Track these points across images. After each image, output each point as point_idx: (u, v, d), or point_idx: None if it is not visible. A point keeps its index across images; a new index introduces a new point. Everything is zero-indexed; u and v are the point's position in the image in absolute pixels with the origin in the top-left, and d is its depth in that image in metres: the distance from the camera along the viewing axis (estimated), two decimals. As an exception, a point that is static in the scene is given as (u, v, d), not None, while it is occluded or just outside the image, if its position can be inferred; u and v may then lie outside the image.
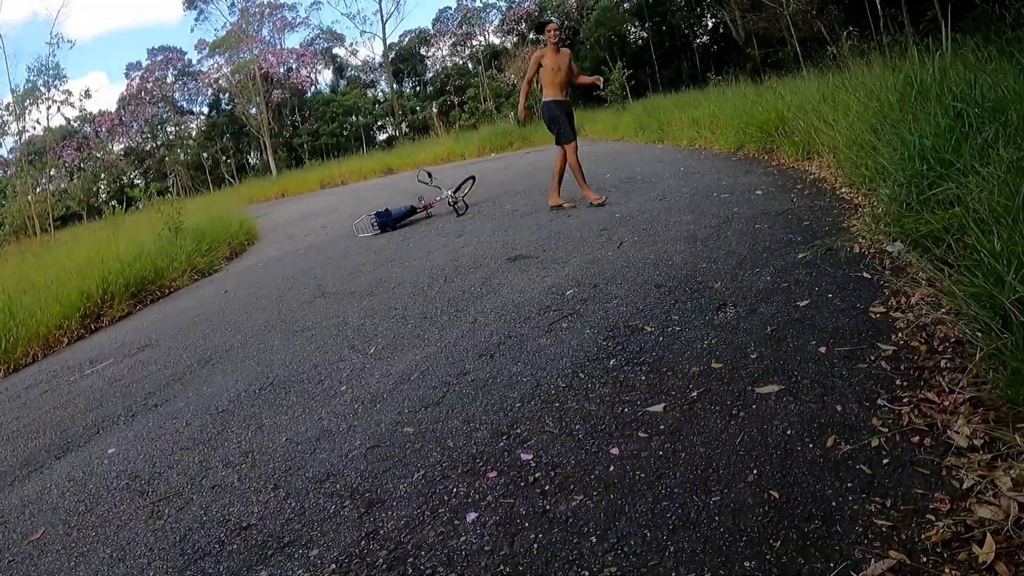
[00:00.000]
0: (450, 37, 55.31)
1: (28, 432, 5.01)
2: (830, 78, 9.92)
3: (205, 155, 51.83)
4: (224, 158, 51.81)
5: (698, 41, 45.43)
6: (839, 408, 2.81)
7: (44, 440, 4.72)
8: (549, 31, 8.33)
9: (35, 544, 3.27)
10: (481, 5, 53.89)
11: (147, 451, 4.04)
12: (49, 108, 39.89)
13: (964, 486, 2.25)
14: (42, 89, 38.90)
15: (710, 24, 44.74)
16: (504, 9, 52.36)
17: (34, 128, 40.79)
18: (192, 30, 62.34)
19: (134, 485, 3.62)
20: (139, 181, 49.09)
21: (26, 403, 5.90)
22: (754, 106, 11.79)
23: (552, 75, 8.32)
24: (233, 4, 51.71)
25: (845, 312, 3.71)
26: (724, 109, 13.67)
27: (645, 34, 45.18)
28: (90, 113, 48.43)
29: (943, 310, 3.35)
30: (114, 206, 36.06)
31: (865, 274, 4.23)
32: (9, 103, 38.17)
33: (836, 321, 3.61)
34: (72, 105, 43.20)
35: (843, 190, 6.69)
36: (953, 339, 3.12)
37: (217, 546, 2.83)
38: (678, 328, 3.97)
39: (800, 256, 4.81)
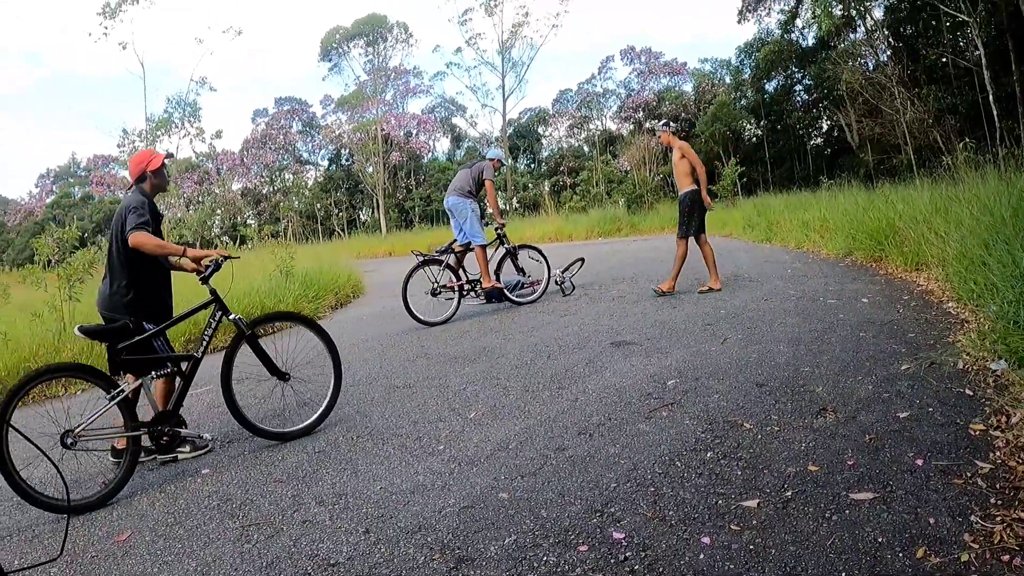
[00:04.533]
0: (568, 119, 56.39)
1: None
2: (943, 189, 9.87)
3: (319, 205, 53.70)
4: (336, 211, 53.58)
5: (812, 143, 45.15)
6: (932, 520, 2.84)
7: (137, 449, 4.97)
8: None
9: (120, 544, 3.46)
10: (601, 91, 54.86)
11: (241, 478, 4.24)
12: (182, 139, 42.03)
13: (1051, 607, 2.28)
14: (177, 122, 41.06)
15: (825, 126, 44.50)
16: (623, 96, 53.17)
17: (162, 157, 43.03)
18: (324, 79, 65.20)
19: (225, 507, 3.79)
20: (252, 221, 50.95)
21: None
22: (865, 213, 11.76)
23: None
24: (370, 60, 54.00)
25: (944, 427, 3.73)
26: (834, 213, 13.63)
27: (760, 132, 45.21)
28: (216, 151, 50.89)
29: (1044, 432, 3.36)
30: (226, 241, 37.48)
31: (967, 390, 4.24)
32: (143, 130, 40.23)
33: (935, 435, 3.63)
34: (203, 141, 45.46)
35: (950, 304, 6.66)
36: (1052, 462, 3.13)
37: (302, 578, 2.97)
38: (777, 428, 4.02)
39: (903, 367, 4.83)
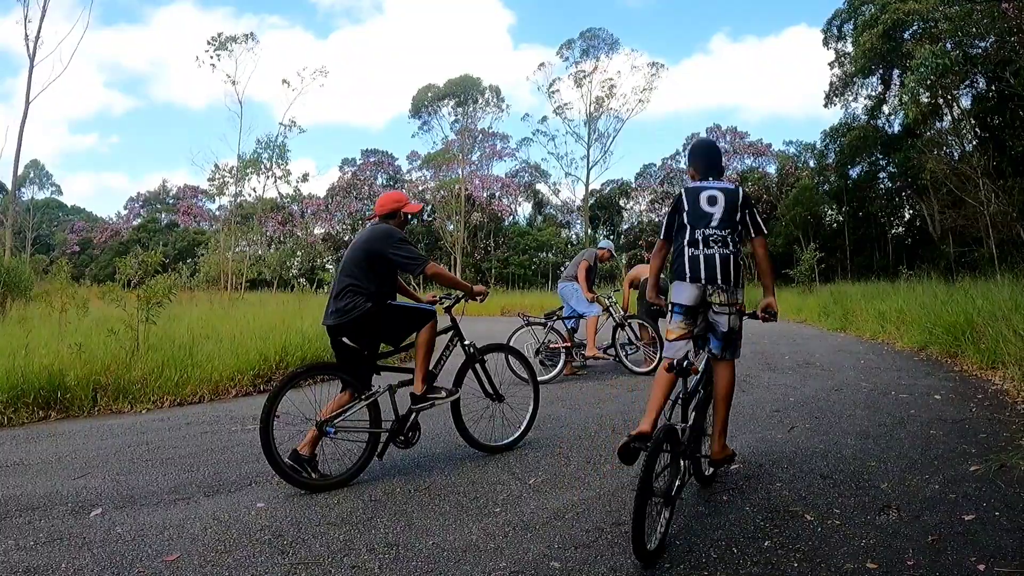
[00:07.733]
0: (650, 193, 56.49)
1: (182, 464, 5.48)
2: (1025, 285, 9.71)
3: (397, 257, 54.67)
4: (412, 264, 54.37)
5: (893, 231, 44.43)
6: (990, 626, 2.83)
7: (196, 475, 5.15)
8: None
9: (169, 564, 3.53)
10: (684, 166, 54.92)
11: (294, 516, 4.30)
12: (268, 179, 43.28)
13: None
14: (266, 163, 42.38)
15: (907, 216, 43.86)
16: (706, 174, 53.18)
17: (249, 195, 44.56)
18: (413, 136, 66.51)
19: (276, 543, 3.83)
20: (331, 266, 51.91)
21: (185, 437, 6.44)
22: (943, 306, 11.65)
23: None
24: (458, 120, 55.14)
25: (1010, 532, 3.68)
26: (912, 305, 13.49)
27: (841, 218, 44.70)
28: (301, 194, 52.21)
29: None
30: (303, 283, 38.24)
31: (1037, 496, 4.16)
32: (234, 167, 41.55)
33: (999, 540, 3.59)
34: (289, 183, 46.68)
35: (1024, 405, 6.55)
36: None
37: (345, 622, 2.99)
38: (838, 522, 3.99)
39: (972, 468, 4.78)
